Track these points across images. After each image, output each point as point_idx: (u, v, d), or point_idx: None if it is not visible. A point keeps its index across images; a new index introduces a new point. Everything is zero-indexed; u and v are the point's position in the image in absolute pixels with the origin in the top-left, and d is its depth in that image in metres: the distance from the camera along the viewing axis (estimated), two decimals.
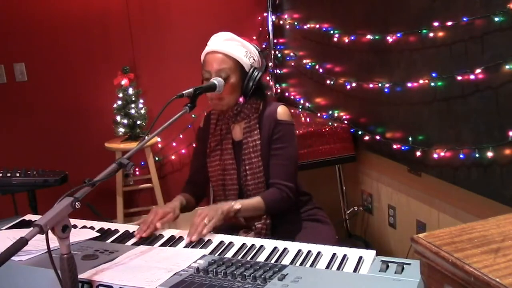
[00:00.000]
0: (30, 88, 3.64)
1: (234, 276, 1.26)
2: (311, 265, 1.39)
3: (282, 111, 1.95)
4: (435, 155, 2.24)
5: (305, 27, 3.43)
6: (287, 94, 3.97)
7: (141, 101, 3.61)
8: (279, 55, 4.01)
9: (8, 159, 3.22)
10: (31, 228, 1.14)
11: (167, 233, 1.70)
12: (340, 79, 3.02)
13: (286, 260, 1.44)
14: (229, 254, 1.51)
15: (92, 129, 3.77)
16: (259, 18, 4.04)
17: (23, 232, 1.14)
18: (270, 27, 3.98)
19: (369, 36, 2.66)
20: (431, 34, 2.19)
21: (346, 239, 3.24)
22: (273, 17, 3.98)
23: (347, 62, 3.00)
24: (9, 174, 2.46)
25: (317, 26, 3.25)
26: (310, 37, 3.43)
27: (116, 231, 1.75)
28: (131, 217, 3.77)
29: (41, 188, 2.50)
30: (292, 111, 3.56)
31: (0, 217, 1.97)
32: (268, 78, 4.04)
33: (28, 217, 1.94)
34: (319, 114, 3.36)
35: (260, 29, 4.05)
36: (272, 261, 1.43)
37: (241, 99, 1.91)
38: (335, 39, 3.01)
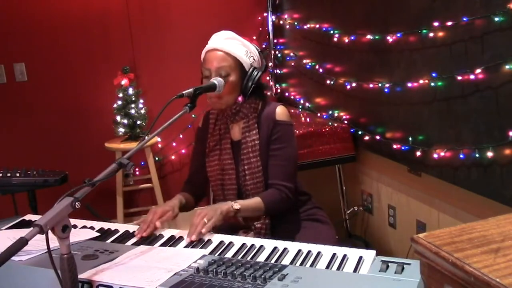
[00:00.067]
0: (30, 88, 3.64)
1: (234, 276, 1.26)
2: (311, 265, 1.39)
3: (281, 111, 1.95)
4: (435, 155, 2.24)
5: (305, 27, 3.43)
6: (287, 94, 3.97)
7: (141, 101, 3.61)
8: (279, 55, 4.01)
9: (8, 159, 3.22)
10: (31, 228, 1.14)
11: (167, 233, 1.70)
12: (340, 79, 3.02)
13: (286, 260, 1.44)
14: (229, 254, 1.51)
15: (92, 129, 3.77)
16: (259, 18, 4.04)
17: (23, 232, 1.15)
18: (270, 27, 3.98)
19: (369, 36, 2.66)
20: (431, 34, 2.19)
21: (346, 239, 3.24)
22: (273, 17, 3.97)
23: (347, 62, 3.00)
24: (9, 174, 2.46)
25: (317, 26, 3.25)
26: (310, 37, 3.43)
27: (116, 231, 1.75)
28: (131, 217, 3.76)
29: (41, 188, 2.50)
30: (292, 111, 3.57)
31: (0, 217, 1.97)
32: (268, 78, 4.04)
33: (28, 217, 1.94)
34: (319, 114, 3.36)
35: (260, 29, 4.05)
36: (272, 261, 1.43)
37: (240, 98, 1.91)
38: (335, 39, 3.01)
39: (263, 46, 4.03)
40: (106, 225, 1.80)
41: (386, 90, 2.55)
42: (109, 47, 3.76)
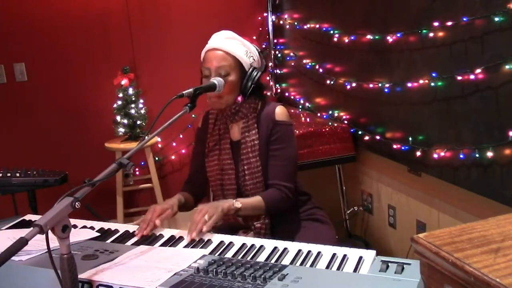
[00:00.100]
0: (30, 88, 3.64)
1: (234, 276, 1.26)
2: (311, 265, 1.39)
3: (280, 111, 1.95)
4: (435, 155, 2.24)
5: (305, 27, 3.43)
6: (287, 94, 3.97)
7: (141, 101, 3.61)
8: (279, 55, 4.01)
9: (8, 159, 3.22)
10: (31, 228, 1.14)
11: (167, 233, 1.70)
12: (340, 79, 3.02)
13: (286, 260, 1.44)
14: (229, 254, 1.51)
15: (92, 129, 3.77)
16: (259, 18, 4.04)
17: (23, 232, 1.14)
18: (270, 27, 3.98)
19: (369, 36, 2.66)
20: (431, 34, 2.19)
21: (346, 239, 3.24)
22: (273, 17, 3.97)
23: (347, 62, 3.00)
24: (9, 174, 2.46)
25: (317, 26, 3.25)
26: (310, 37, 3.43)
27: (116, 231, 1.75)
28: (131, 217, 3.76)
29: (41, 188, 2.50)
30: (292, 111, 3.57)
31: (0, 217, 1.97)
32: (268, 78, 4.05)
33: (28, 217, 1.94)
34: (319, 114, 3.36)
35: (260, 29, 4.05)
36: (272, 261, 1.43)
37: (239, 98, 1.91)
38: (335, 39, 3.01)
39: (263, 46, 4.03)
40: (106, 225, 1.80)
41: (386, 90, 2.55)
42: (109, 47, 3.76)
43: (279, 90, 4.08)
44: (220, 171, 1.97)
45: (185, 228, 1.70)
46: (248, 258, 1.46)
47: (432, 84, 2.21)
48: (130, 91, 3.54)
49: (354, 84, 2.87)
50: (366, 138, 2.83)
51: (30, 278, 1.38)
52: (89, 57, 3.73)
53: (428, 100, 2.28)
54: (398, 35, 2.41)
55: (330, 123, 3.08)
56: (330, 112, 3.24)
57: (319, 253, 1.46)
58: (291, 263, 1.41)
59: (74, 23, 3.66)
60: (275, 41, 4.01)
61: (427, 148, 2.31)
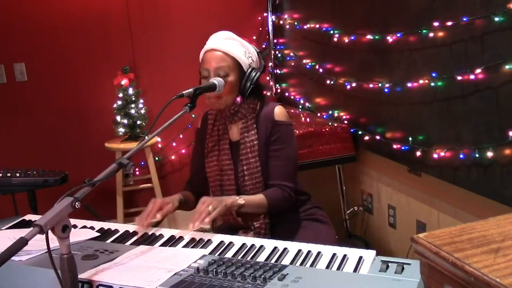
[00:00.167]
0: (30, 88, 3.63)
1: (234, 276, 1.26)
2: (311, 265, 1.39)
3: (279, 111, 1.95)
4: (435, 155, 2.24)
5: (305, 27, 3.43)
6: (287, 94, 3.97)
7: (141, 101, 3.61)
8: (279, 55, 4.01)
9: (8, 159, 3.22)
10: (31, 228, 1.14)
11: (167, 233, 1.70)
12: (340, 79, 3.02)
13: (286, 260, 1.44)
14: (229, 254, 1.51)
15: (92, 129, 3.77)
16: (259, 18, 4.04)
17: (23, 232, 1.14)
18: (270, 27, 3.98)
19: (369, 36, 2.66)
20: (431, 34, 2.19)
21: (346, 239, 3.24)
22: (273, 17, 3.97)
23: (347, 62, 3.00)
24: (9, 174, 2.46)
25: (317, 26, 3.25)
26: (310, 37, 3.43)
27: (116, 231, 1.75)
28: (131, 217, 3.74)
29: (41, 188, 2.50)
30: (292, 111, 3.57)
31: (0, 217, 1.97)
32: (268, 78, 4.05)
33: (28, 217, 1.94)
34: (319, 114, 3.36)
35: (260, 29, 4.05)
36: (272, 261, 1.42)
37: (238, 99, 1.91)
38: (335, 39, 3.01)
39: (263, 46, 4.03)
40: (106, 225, 1.80)
41: (386, 90, 2.55)
42: (109, 47, 3.76)
43: (279, 90, 4.08)
44: (219, 171, 1.97)
45: (185, 228, 1.70)
46: (248, 258, 1.46)
47: (432, 84, 2.21)
48: (130, 91, 3.54)
49: (354, 84, 2.87)
50: (366, 138, 2.83)
51: (30, 278, 1.38)
52: (89, 57, 3.73)
53: (428, 100, 2.28)
54: (398, 35, 2.41)
55: (330, 123, 3.08)
56: (330, 112, 3.24)
57: (319, 253, 1.46)
58: (291, 263, 1.41)
59: (74, 23, 3.66)
60: (275, 41, 4.01)
61: (427, 148, 2.31)
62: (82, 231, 1.74)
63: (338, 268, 1.36)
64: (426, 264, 0.96)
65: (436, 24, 2.14)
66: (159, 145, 3.96)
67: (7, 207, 2.71)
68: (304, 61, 3.50)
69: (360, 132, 2.91)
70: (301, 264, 1.40)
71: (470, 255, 0.88)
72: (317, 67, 3.31)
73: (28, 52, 3.60)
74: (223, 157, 1.96)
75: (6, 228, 1.80)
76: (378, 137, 2.72)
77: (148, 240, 1.65)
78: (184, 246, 1.60)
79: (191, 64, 3.08)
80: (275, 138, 1.92)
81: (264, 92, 2.04)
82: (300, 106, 3.68)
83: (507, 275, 0.81)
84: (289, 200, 1.91)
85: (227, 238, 1.62)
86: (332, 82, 3.10)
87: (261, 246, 1.54)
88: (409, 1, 2.36)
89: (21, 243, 1.11)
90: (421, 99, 2.33)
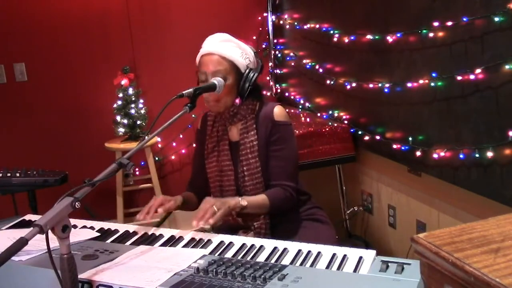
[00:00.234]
0: (30, 88, 3.64)
1: (234, 276, 1.26)
2: (311, 265, 1.39)
3: (278, 111, 1.94)
4: (435, 155, 2.24)
5: (305, 27, 3.43)
6: (287, 94, 3.97)
7: (141, 101, 3.61)
8: (279, 55, 4.01)
9: (8, 159, 3.22)
10: (31, 228, 1.14)
11: (167, 233, 1.70)
12: (340, 79, 3.02)
13: (286, 260, 1.44)
14: (229, 254, 1.51)
15: (92, 129, 3.77)
16: (259, 18, 4.04)
17: (23, 232, 1.14)
18: (270, 27, 3.98)
19: (369, 36, 2.66)
20: (431, 34, 2.19)
21: (346, 239, 3.24)
22: (273, 17, 3.98)
23: (347, 62, 3.00)
24: (9, 174, 2.46)
25: (317, 26, 3.25)
26: (310, 37, 3.43)
27: (116, 231, 1.75)
28: (131, 217, 3.76)
29: (41, 188, 2.50)
30: (292, 111, 3.57)
31: (0, 217, 1.97)
32: (268, 78, 4.05)
33: (28, 217, 1.94)
34: (319, 114, 3.36)
35: (260, 29, 4.05)
36: (272, 261, 1.42)
37: (237, 100, 1.91)
38: (335, 39, 3.01)
39: (263, 46, 4.04)
40: (106, 225, 1.80)
41: (386, 90, 2.55)
42: (109, 47, 3.76)
43: (279, 90, 4.08)
44: (219, 172, 1.96)
45: (185, 228, 1.70)
46: (248, 258, 1.46)
47: (432, 84, 2.21)
48: (130, 91, 3.54)
49: (354, 84, 2.87)
50: (366, 138, 2.83)
51: (30, 278, 1.38)
52: (89, 57, 3.73)
53: (428, 100, 2.28)
54: (398, 35, 2.41)
55: (330, 123, 3.08)
56: (330, 112, 3.24)
57: (319, 253, 1.46)
58: (291, 263, 1.41)
59: (74, 23, 3.66)
60: (275, 41, 4.01)
61: (427, 148, 2.31)
62: (82, 231, 1.74)
63: (338, 268, 1.36)
64: (426, 264, 0.96)
65: (436, 24, 2.14)
66: (159, 145, 3.96)
67: (7, 207, 2.71)
68: (304, 61, 3.50)
69: (360, 132, 2.91)
70: (301, 264, 1.40)
71: (470, 255, 0.88)
72: (317, 67, 3.31)
73: (28, 52, 3.60)
74: (223, 158, 1.96)
75: (6, 228, 1.80)
76: (378, 137, 2.72)
77: (148, 240, 1.65)
78: (184, 246, 1.60)
79: (191, 64, 3.06)
80: (275, 138, 1.91)
81: (263, 92, 2.04)
82: (300, 106, 3.68)
83: (507, 275, 0.81)
84: (291, 200, 1.91)
85: (227, 238, 1.62)
86: (332, 82, 3.10)
87: (261, 246, 1.54)
88: (409, 1, 2.36)
89: (21, 243, 1.11)
90: (421, 99, 2.33)
